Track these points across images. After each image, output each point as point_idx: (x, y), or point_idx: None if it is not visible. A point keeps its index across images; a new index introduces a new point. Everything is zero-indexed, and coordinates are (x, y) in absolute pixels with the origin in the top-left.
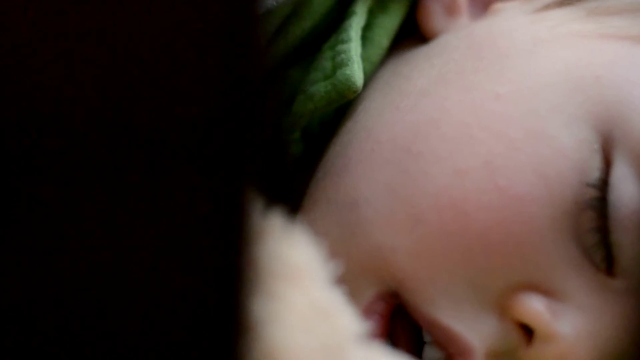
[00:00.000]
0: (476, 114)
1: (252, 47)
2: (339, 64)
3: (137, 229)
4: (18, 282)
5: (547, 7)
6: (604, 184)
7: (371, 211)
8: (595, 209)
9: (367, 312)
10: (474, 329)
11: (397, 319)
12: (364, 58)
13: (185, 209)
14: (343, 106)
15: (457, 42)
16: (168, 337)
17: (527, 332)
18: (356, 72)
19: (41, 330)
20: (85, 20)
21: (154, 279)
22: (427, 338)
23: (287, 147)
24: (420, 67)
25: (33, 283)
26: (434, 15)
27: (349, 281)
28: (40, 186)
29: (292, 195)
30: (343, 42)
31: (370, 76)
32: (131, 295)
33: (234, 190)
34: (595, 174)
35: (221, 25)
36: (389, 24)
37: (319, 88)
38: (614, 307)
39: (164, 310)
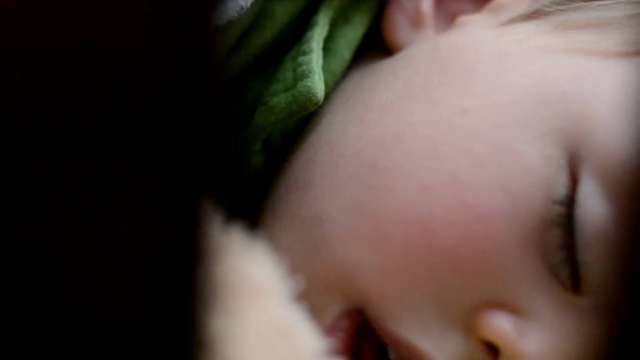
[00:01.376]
0: (442, 129)
1: (209, 57)
2: (300, 76)
3: (93, 242)
4: None
5: (513, 20)
6: (570, 201)
7: (335, 227)
8: (562, 226)
9: (331, 329)
10: (439, 347)
11: (363, 336)
12: (326, 70)
13: (141, 223)
14: (305, 118)
15: (422, 55)
16: (125, 353)
17: (493, 350)
18: (317, 83)
19: None
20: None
21: (108, 294)
22: (392, 355)
23: (247, 159)
24: (385, 80)
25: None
26: (398, 27)
27: (313, 298)
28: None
29: (253, 209)
30: (304, 53)
31: (332, 88)
32: (85, 312)
33: (190, 204)
34: (561, 190)
35: (177, 34)
36: (352, 35)
37: (279, 99)
38: (580, 324)
39: (119, 326)
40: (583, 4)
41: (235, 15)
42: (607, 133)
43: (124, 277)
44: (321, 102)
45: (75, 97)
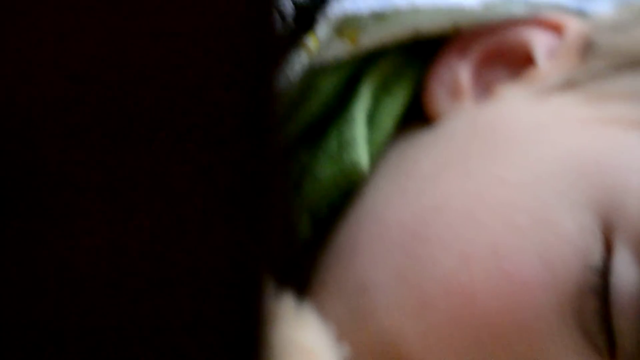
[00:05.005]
0: (481, 199)
1: (269, 125)
2: (345, 147)
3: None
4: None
5: (549, 91)
6: (605, 269)
7: (380, 295)
8: (598, 294)
9: None
10: None
11: None
12: (370, 141)
13: (207, 292)
14: (350, 189)
15: (461, 127)
16: None
17: None
18: (362, 155)
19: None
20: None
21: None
22: None
23: (297, 230)
24: (425, 151)
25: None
26: (437, 98)
27: None
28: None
29: (301, 278)
30: (348, 125)
31: (375, 159)
32: None
33: (251, 275)
34: (597, 259)
35: (237, 100)
36: (394, 106)
37: (325, 171)
38: None
39: None
40: (615, 74)
41: (284, 88)
42: None
43: (192, 340)
44: (366, 173)
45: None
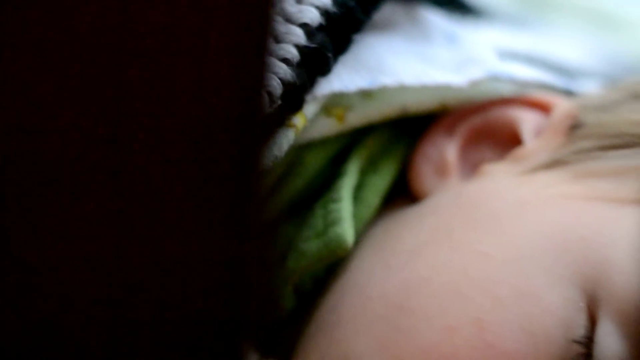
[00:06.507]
0: (465, 273)
1: (254, 200)
2: (331, 223)
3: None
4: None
5: (534, 169)
6: (589, 341)
7: None
8: None
9: None
10: None
11: None
12: (355, 217)
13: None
14: (335, 263)
15: (446, 203)
16: None
17: None
18: (347, 230)
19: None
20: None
21: None
22: None
23: (279, 302)
24: (410, 226)
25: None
26: (424, 176)
27: None
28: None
29: (284, 350)
30: (334, 201)
31: (361, 234)
32: None
33: (233, 345)
34: (580, 331)
35: (226, 174)
36: (380, 183)
37: (310, 245)
38: None
39: None
40: (601, 153)
41: (270, 163)
42: (624, 277)
43: None
44: (350, 248)
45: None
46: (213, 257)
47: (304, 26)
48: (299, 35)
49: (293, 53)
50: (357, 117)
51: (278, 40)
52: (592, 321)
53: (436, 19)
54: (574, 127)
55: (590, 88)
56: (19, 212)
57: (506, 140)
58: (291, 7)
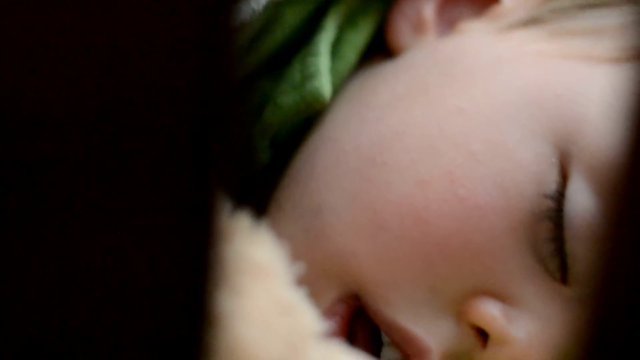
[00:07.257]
0: (439, 127)
1: (226, 55)
2: (308, 77)
3: (109, 226)
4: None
5: (511, 27)
6: (560, 196)
7: (334, 217)
8: (552, 220)
9: (328, 313)
10: (431, 332)
11: (357, 321)
12: (333, 71)
13: (158, 208)
14: (311, 116)
15: (422, 59)
16: (137, 327)
17: (483, 335)
18: (324, 84)
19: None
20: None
21: (124, 273)
22: (385, 339)
23: (255, 154)
24: (386, 81)
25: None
26: (401, 32)
27: (311, 283)
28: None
29: (259, 199)
30: (312, 55)
31: (338, 89)
32: (100, 288)
33: (203, 192)
34: (552, 186)
35: (196, 31)
36: (358, 39)
37: (288, 99)
38: (566, 314)
39: (133, 302)
40: (578, 11)
41: (248, 18)
42: (597, 133)
43: (142, 257)
44: (327, 102)
45: (93, 91)
46: (187, 110)
47: None
48: None
49: None
50: None
51: None
52: (564, 177)
53: None
54: None
55: None
56: None
57: None
58: None
